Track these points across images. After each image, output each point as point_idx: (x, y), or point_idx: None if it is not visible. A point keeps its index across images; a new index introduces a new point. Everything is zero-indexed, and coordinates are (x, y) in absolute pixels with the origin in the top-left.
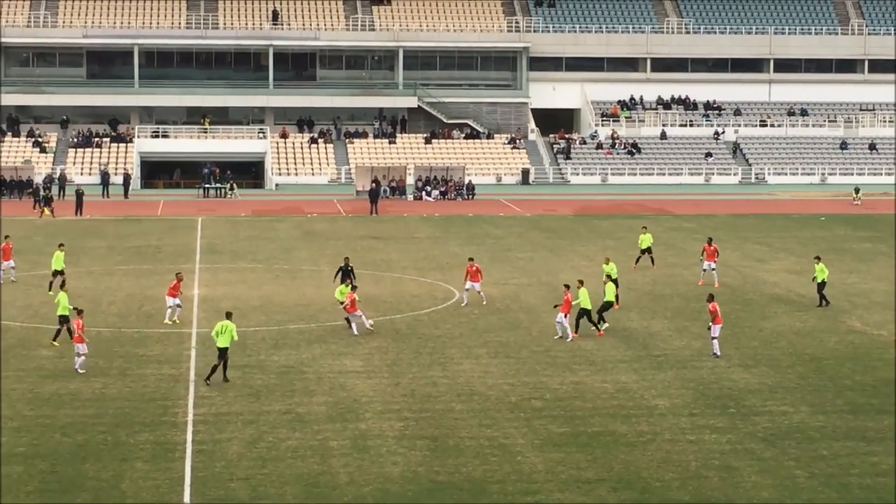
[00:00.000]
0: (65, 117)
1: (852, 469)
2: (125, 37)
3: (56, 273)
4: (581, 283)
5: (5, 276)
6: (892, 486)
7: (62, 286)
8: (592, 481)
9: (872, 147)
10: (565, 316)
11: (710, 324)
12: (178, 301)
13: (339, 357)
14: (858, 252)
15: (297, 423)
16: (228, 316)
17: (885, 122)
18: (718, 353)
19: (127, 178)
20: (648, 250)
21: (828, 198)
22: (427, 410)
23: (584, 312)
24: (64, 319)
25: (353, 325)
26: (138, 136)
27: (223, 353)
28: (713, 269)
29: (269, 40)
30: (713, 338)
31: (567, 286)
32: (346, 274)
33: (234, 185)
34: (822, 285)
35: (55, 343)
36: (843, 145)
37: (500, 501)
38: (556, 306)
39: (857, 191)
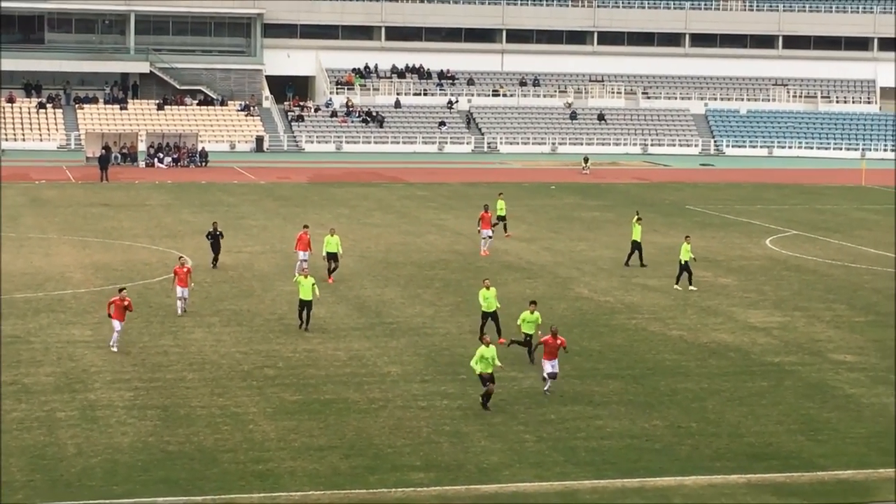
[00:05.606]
0: None
1: (579, 433)
2: None
3: None
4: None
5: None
6: (615, 447)
7: None
8: (325, 448)
9: (601, 117)
10: None
11: (543, 359)
12: None
13: (67, 326)
14: (587, 220)
15: (23, 394)
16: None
17: (613, 93)
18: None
19: None
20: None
21: (558, 167)
22: (158, 380)
23: None
24: None
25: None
26: None
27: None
28: (490, 238)
29: None
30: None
31: None
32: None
33: None
34: (637, 246)
35: None
36: (573, 115)
37: (231, 470)
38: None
39: (585, 160)
